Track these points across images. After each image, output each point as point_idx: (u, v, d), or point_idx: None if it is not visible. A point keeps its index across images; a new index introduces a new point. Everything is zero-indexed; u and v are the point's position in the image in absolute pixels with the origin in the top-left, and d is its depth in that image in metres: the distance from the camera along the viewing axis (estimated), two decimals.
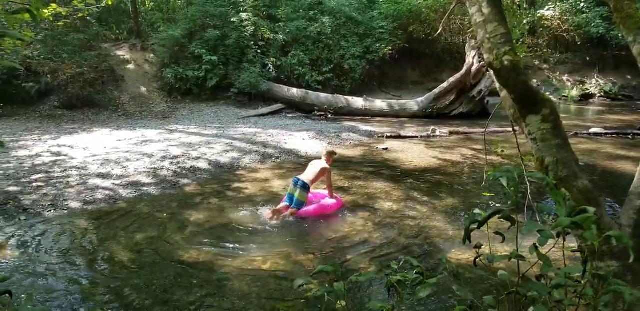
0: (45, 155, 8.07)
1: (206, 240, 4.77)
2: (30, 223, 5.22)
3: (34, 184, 6.42)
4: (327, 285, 1.55)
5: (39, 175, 6.82)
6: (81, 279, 3.94)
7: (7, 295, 1.58)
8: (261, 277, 3.94)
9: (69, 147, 8.74)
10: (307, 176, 5.62)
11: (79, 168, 7.26)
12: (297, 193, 5.45)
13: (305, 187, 5.50)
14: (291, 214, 5.39)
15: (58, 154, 8.13)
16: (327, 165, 5.71)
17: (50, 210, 5.63)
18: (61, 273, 4.04)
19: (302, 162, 8.31)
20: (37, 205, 5.72)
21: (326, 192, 5.86)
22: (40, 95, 12.77)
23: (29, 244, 4.66)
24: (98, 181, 6.69)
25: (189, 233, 4.98)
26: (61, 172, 7.05)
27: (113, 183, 6.63)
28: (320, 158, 6.00)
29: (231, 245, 4.64)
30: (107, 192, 6.29)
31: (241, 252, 4.46)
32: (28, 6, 2.30)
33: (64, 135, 9.98)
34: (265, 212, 5.48)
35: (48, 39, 13.01)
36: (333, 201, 5.72)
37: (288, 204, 5.53)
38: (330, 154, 5.92)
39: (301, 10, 16.59)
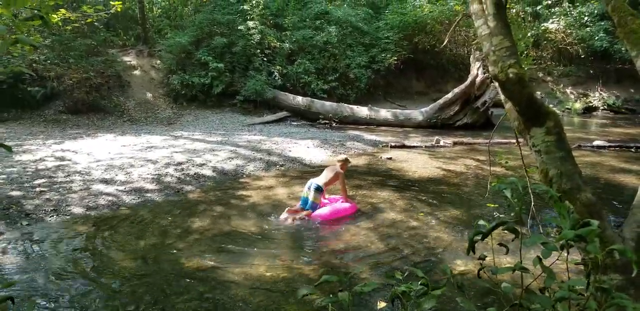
0: (49, 159, 8.11)
1: (208, 248, 4.76)
2: (32, 229, 5.23)
3: (37, 189, 6.44)
4: (331, 295, 1.55)
5: (42, 180, 6.85)
6: (83, 286, 3.93)
7: (9, 301, 1.59)
8: (264, 286, 3.93)
9: (72, 151, 8.78)
10: (321, 179, 5.85)
11: (82, 173, 7.28)
12: (311, 196, 5.72)
13: (319, 189, 5.74)
14: (306, 215, 5.59)
15: (62, 159, 8.17)
16: (340, 170, 5.95)
17: (53, 215, 5.64)
18: (63, 279, 4.04)
19: (306, 170, 8.32)
20: (40, 210, 5.74)
21: (338, 197, 6.13)
22: (46, 99, 12.86)
23: (30, 250, 4.67)
24: (101, 186, 6.71)
25: (192, 240, 4.98)
26: (64, 177, 7.08)
27: (116, 189, 6.64)
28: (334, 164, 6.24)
29: (234, 253, 4.64)
30: (110, 198, 6.31)
31: (244, 260, 4.46)
32: (38, 11, 2.34)
33: (68, 140, 10.03)
34: (281, 215, 5.62)
35: (55, 44, 13.14)
36: (347, 205, 5.91)
37: (302, 206, 5.75)
38: (345, 161, 6.15)
39: (307, 20, 16.74)
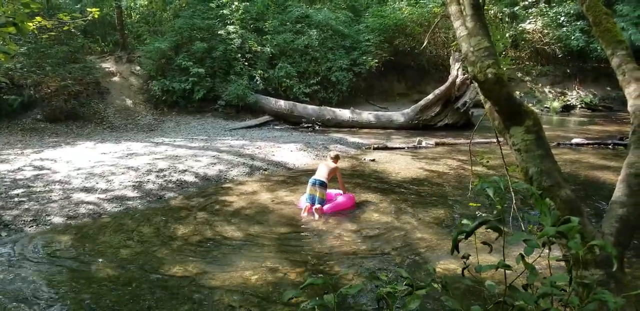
0: (27, 169, 7.94)
1: (192, 254, 4.71)
2: (11, 240, 5.11)
3: (16, 199, 6.30)
4: (317, 298, 1.54)
5: (21, 190, 6.70)
6: (65, 296, 3.85)
7: None
8: (249, 291, 3.90)
9: (52, 160, 8.61)
10: (321, 175, 6.18)
11: (62, 182, 7.15)
12: (318, 192, 6.01)
13: (323, 185, 6.10)
14: (318, 211, 5.90)
15: (41, 168, 8.01)
16: (335, 165, 6.39)
17: (32, 226, 5.52)
18: (43, 290, 3.95)
19: (290, 174, 8.30)
20: (19, 221, 5.61)
21: (334, 192, 6.49)
22: (23, 108, 12.60)
23: (9, 261, 4.56)
24: (82, 195, 6.60)
25: (175, 247, 4.92)
26: (43, 186, 6.94)
27: (97, 197, 6.54)
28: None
29: (218, 259, 4.60)
30: (91, 207, 6.20)
31: (229, 266, 4.42)
32: (13, 19, 2.29)
33: (47, 149, 9.84)
34: (316, 216, 5.86)
35: (31, 51, 12.90)
36: (349, 196, 6.37)
37: (311, 203, 6.01)
38: (336, 158, 6.59)
39: (288, 23, 16.75)
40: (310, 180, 6.15)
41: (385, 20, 17.86)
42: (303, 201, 6.25)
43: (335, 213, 6.01)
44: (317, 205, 5.95)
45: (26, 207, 6.04)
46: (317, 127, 13.78)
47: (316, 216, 5.85)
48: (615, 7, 16.70)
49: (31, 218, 5.69)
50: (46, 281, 4.12)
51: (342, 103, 15.77)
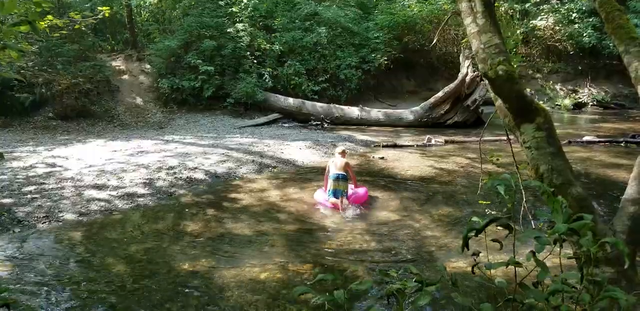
0: (39, 166, 8.03)
1: (202, 251, 4.75)
2: (24, 235, 5.18)
3: (28, 196, 6.38)
4: (327, 294, 1.55)
5: (33, 187, 6.78)
6: (76, 292, 3.90)
7: (5, 307, 1.58)
8: (259, 287, 3.93)
9: (63, 158, 8.71)
10: (341, 170, 6.33)
11: (73, 179, 7.22)
12: (342, 186, 6.19)
13: (346, 178, 6.31)
14: (349, 204, 6.13)
15: (52, 165, 8.10)
16: (345, 159, 6.55)
17: (45, 222, 5.59)
18: (56, 286, 4.01)
19: (299, 171, 8.32)
20: (32, 217, 5.68)
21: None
22: (35, 106, 12.73)
23: (23, 256, 4.63)
24: (93, 192, 6.67)
25: (185, 244, 4.96)
26: (55, 183, 7.01)
27: (108, 194, 6.60)
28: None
29: (228, 256, 4.63)
30: (102, 203, 6.27)
31: (238, 262, 4.45)
32: (26, 17, 2.32)
33: (59, 146, 9.94)
34: (348, 211, 6.01)
35: (43, 50, 13.01)
36: (364, 189, 6.61)
37: (337, 198, 6.13)
38: (344, 152, 6.77)
39: (297, 21, 16.72)
40: (332, 175, 6.24)
41: (394, 18, 17.78)
42: (320, 197, 6.34)
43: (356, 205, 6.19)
44: (345, 200, 6.08)
45: (39, 203, 6.12)
46: (325, 125, 13.77)
47: (350, 209, 6.00)
48: (628, 3, 16.50)
49: (44, 215, 5.76)
50: (57, 276, 4.17)
51: (350, 101, 15.74)
